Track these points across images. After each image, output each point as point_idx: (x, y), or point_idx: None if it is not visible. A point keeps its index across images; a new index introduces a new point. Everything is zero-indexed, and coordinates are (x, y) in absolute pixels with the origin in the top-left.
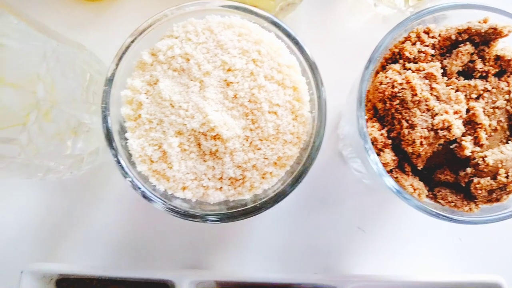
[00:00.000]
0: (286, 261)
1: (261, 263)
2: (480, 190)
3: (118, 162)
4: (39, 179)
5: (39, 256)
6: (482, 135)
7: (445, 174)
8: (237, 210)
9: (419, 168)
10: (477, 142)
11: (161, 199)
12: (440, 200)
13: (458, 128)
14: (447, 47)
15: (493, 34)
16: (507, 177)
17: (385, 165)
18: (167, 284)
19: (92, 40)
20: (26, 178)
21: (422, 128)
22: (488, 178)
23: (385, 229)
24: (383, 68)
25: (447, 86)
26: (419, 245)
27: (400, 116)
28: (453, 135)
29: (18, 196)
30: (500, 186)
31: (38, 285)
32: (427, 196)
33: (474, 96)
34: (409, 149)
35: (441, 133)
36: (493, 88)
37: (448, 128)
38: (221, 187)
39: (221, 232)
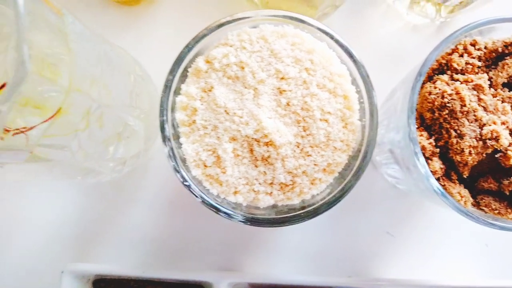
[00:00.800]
0: (316, 264)
1: (291, 266)
2: None
3: (177, 167)
4: (78, 181)
5: (74, 256)
6: None
7: (488, 182)
8: (278, 216)
9: (465, 176)
10: None
11: (215, 202)
12: (483, 208)
13: (506, 138)
14: (492, 59)
15: None
16: None
17: (433, 173)
18: (202, 286)
19: (127, 43)
20: (66, 180)
21: (470, 138)
22: None
23: (413, 234)
24: (429, 78)
25: (493, 97)
26: (446, 250)
27: (448, 126)
28: (501, 145)
29: (53, 198)
30: None
31: (77, 285)
32: (471, 203)
33: None
34: (457, 158)
35: (489, 143)
36: None
37: (496, 138)
38: (271, 192)
39: (253, 234)
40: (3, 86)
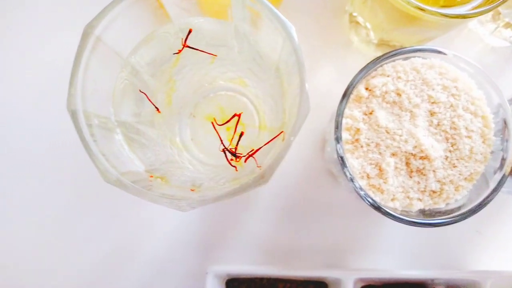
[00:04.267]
0: (412, 259)
1: (390, 261)
2: None
3: (352, 180)
4: None
5: (202, 259)
6: None
7: None
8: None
9: None
10: None
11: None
12: None
13: None
14: None
15: None
16: None
17: None
18: (325, 283)
19: None
20: None
21: None
22: None
23: (499, 231)
24: None
25: None
26: None
27: None
28: None
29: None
30: None
31: (217, 284)
32: None
33: None
34: None
35: None
36: None
37: None
38: (422, 198)
39: (352, 234)
40: (233, 117)
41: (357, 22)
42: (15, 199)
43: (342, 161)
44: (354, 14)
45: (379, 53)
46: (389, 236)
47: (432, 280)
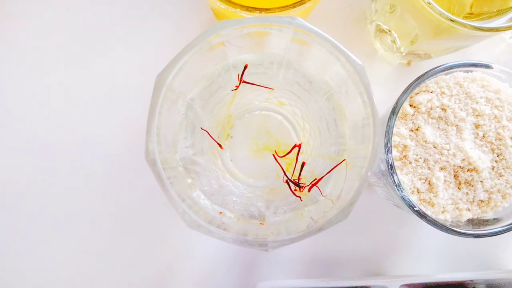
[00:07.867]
0: (450, 260)
1: (430, 266)
2: None
3: (404, 196)
4: None
5: (249, 277)
6: None
7: None
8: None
9: None
10: None
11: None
12: None
13: None
14: None
15: None
16: None
17: None
18: None
19: None
20: None
21: None
22: None
23: None
24: None
25: None
26: None
27: None
28: None
29: None
30: None
31: None
32: None
33: None
34: None
35: None
36: None
37: None
38: (471, 208)
39: (393, 241)
40: (294, 147)
41: (383, 31)
42: (58, 219)
43: (399, 183)
44: (379, 23)
45: (404, 61)
46: (426, 239)
47: (472, 280)
